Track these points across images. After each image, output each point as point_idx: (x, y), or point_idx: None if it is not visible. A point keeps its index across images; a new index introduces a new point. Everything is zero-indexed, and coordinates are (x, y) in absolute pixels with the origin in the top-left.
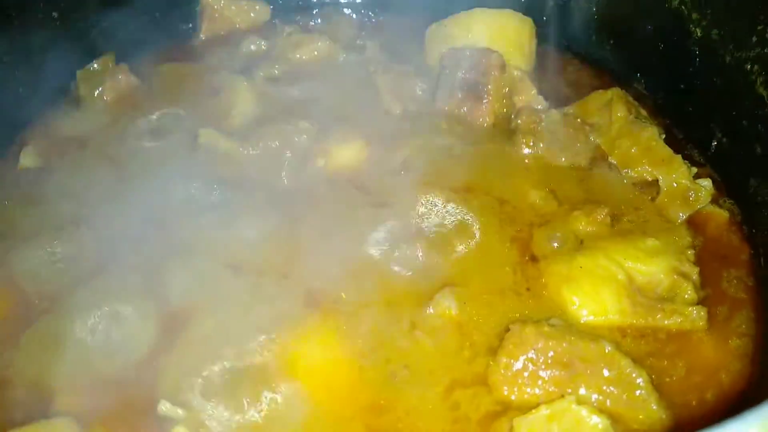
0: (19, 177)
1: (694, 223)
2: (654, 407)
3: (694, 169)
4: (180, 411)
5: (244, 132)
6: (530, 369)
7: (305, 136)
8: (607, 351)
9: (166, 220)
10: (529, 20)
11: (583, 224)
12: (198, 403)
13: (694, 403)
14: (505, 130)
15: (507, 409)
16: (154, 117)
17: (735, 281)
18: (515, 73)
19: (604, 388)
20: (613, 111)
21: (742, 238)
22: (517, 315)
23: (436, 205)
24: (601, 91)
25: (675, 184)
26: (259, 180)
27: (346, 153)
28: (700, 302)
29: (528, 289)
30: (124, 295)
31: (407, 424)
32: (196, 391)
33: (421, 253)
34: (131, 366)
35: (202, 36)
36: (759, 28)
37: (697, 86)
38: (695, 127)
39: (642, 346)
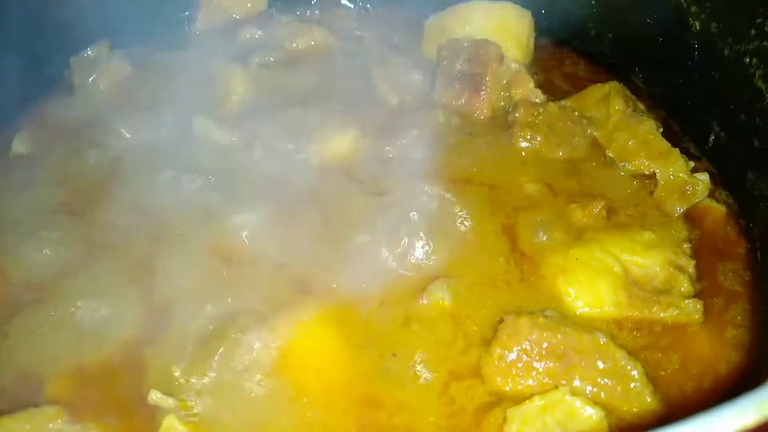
0: (11, 163)
1: (691, 217)
2: (648, 399)
3: (692, 163)
4: (170, 400)
5: (238, 120)
6: (524, 360)
7: (301, 125)
8: (601, 342)
9: (158, 208)
10: (527, 12)
11: (579, 217)
12: (189, 393)
13: (689, 394)
14: (503, 122)
15: (501, 400)
16: (148, 105)
17: (731, 274)
18: (513, 65)
19: (599, 379)
20: (610, 104)
21: (739, 232)
22: (511, 306)
23: (431, 196)
24: (599, 84)
25: (672, 178)
26: (253, 169)
27: (342, 142)
28: (696, 295)
29: (522, 281)
30: (113, 284)
31: (401, 417)
32: (187, 381)
33: (415, 244)
34: (121, 355)
35: (199, 25)
36: (758, 21)
37: (695, 80)
38: (693, 121)
39: (637, 339)
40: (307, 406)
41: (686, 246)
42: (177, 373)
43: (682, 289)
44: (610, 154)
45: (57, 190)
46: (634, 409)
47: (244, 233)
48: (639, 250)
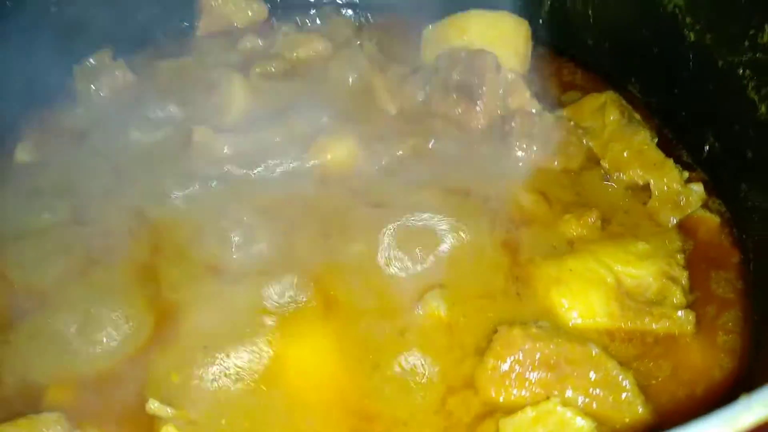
0: (15, 171)
1: (684, 227)
2: (640, 409)
3: (686, 173)
4: (169, 410)
5: (238, 129)
6: (517, 371)
7: (301, 135)
8: (594, 353)
9: (159, 216)
10: (524, 22)
11: (573, 227)
12: (187, 401)
13: (682, 401)
14: (499, 132)
15: (494, 411)
16: (150, 113)
17: (724, 283)
18: (509, 75)
19: (591, 390)
20: (606, 114)
21: (732, 243)
22: (506, 317)
23: (428, 206)
24: (595, 94)
25: (666, 188)
26: (252, 178)
27: (341, 152)
28: (689, 305)
29: (516, 291)
30: (114, 292)
31: (397, 430)
32: (186, 389)
33: (411, 254)
34: (121, 363)
35: (200, 33)
36: (751, 33)
37: (690, 90)
38: (688, 131)
39: (629, 349)
40: (303, 417)
41: (680, 256)
42: (176, 381)
43: (675, 299)
44: (605, 165)
45: (60, 197)
46: (626, 420)
47: (245, 244)
48: (632, 260)
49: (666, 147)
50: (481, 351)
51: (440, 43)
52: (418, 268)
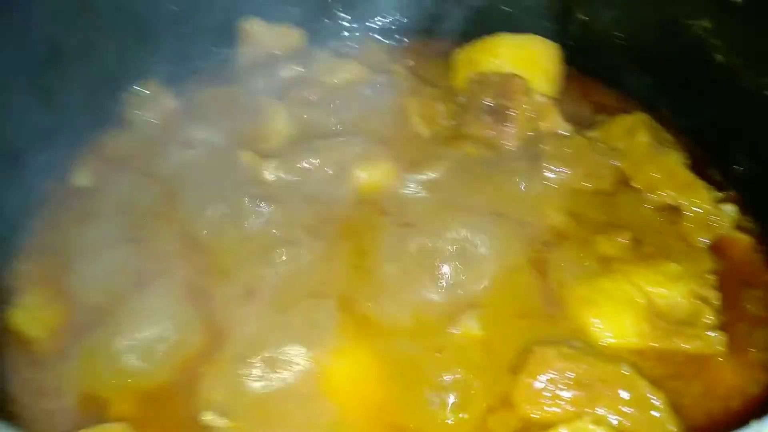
0: (72, 195)
1: (716, 248)
2: (671, 428)
3: (718, 194)
4: (223, 421)
5: (280, 154)
6: (551, 389)
7: (339, 159)
8: (625, 373)
9: (209, 236)
10: (554, 45)
11: (605, 248)
12: (236, 413)
13: (714, 420)
14: (531, 154)
15: (528, 427)
16: (195, 138)
17: (755, 301)
18: (539, 98)
19: (622, 408)
20: (636, 136)
21: (764, 261)
22: (539, 336)
23: (461, 227)
24: (625, 115)
25: (698, 209)
26: (293, 201)
27: (377, 175)
28: (721, 327)
29: (549, 311)
30: (168, 309)
31: None
32: (234, 402)
33: (446, 275)
34: (176, 376)
35: (242, 62)
36: None
37: (720, 111)
38: (719, 152)
39: (661, 369)
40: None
41: (711, 277)
42: (225, 394)
43: (706, 320)
44: (636, 186)
45: (115, 219)
46: None
47: (287, 264)
48: (663, 281)
49: (697, 166)
50: (516, 370)
51: (471, 66)
52: (453, 288)
